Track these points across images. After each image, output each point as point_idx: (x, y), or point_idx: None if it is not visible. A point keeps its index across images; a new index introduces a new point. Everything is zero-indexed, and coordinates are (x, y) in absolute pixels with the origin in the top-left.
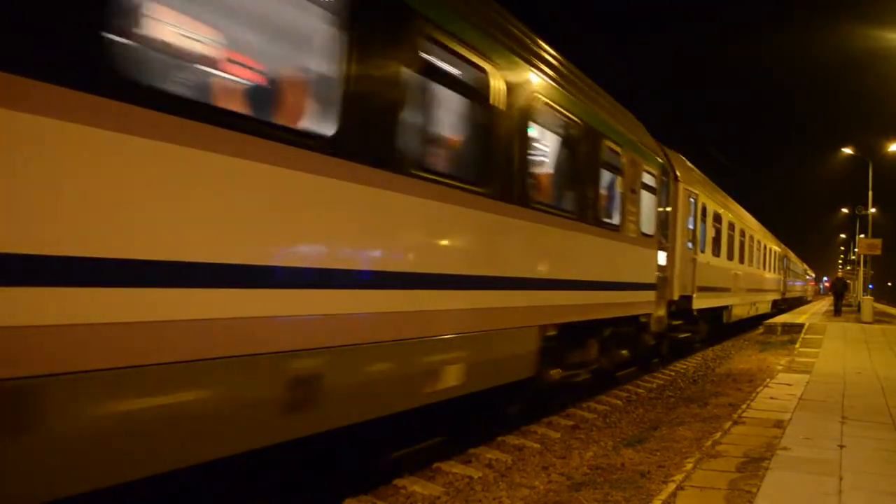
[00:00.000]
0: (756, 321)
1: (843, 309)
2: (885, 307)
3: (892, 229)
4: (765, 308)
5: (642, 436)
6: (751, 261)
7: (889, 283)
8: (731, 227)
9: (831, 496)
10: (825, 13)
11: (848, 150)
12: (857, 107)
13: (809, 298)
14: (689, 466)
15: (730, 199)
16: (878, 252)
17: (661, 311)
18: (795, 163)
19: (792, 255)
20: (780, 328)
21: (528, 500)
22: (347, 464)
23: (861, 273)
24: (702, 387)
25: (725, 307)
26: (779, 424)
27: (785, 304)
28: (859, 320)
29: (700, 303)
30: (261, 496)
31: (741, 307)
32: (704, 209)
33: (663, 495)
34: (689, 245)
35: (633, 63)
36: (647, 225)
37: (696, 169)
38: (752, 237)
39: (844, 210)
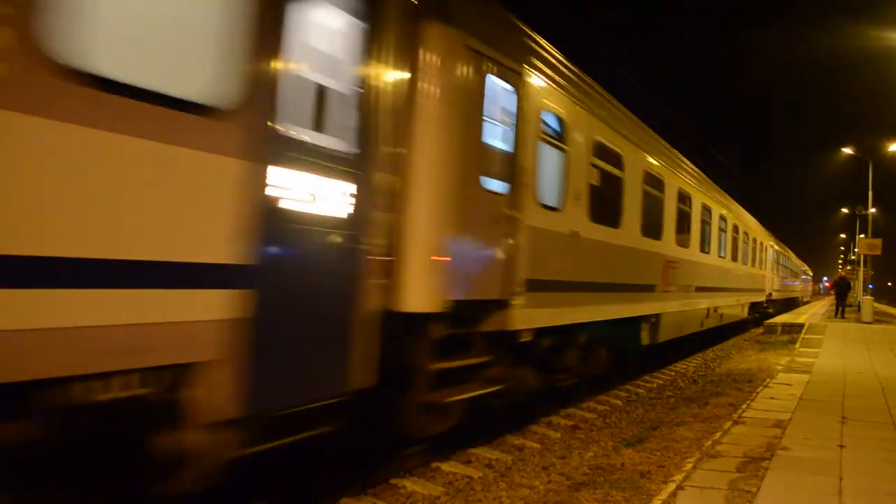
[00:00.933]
0: (719, 334)
1: (845, 309)
2: (885, 307)
3: (892, 229)
4: (736, 312)
5: (642, 436)
6: (707, 246)
7: (889, 283)
8: (656, 182)
9: (831, 496)
10: (825, 12)
11: (848, 150)
12: (857, 107)
13: (806, 299)
14: (689, 466)
15: (675, 153)
16: (878, 252)
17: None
18: (795, 163)
19: (785, 249)
20: (780, 328)
21: (528, 500)
22: (347, 464)
23: (861, 273)
24: (702, 387)
25: (645, 319)
26: (779, 424)
27: (772, 307)
28: (859, 320)
29: (540, 317)
30: (260, 496)
31: (684, 316)
32: (561, 123)
33: (663, 495)
34: (495, 186)
35: (631, 58)
36: (165, 69)
37: (533, 33)
38: (707, 209)
39: (844, 210)
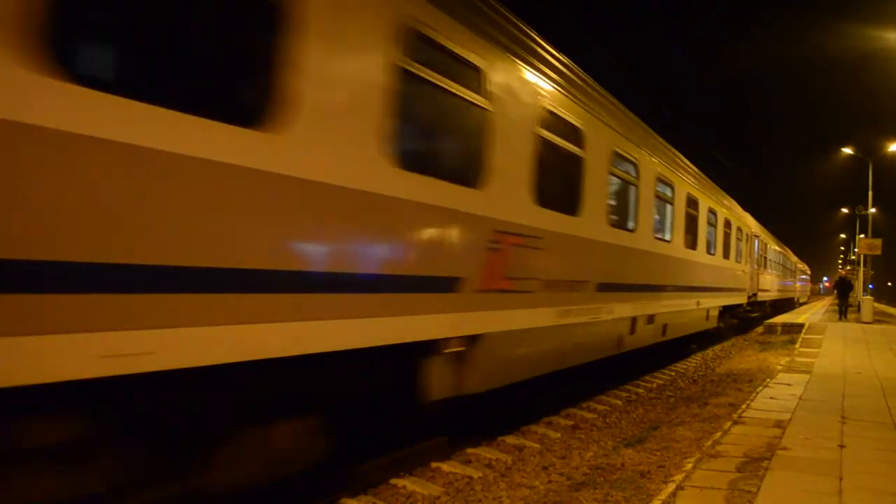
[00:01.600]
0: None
1: (847, 309)
2: (885, 307)
3: (892, 229)
4: (694, 320)
5: (642, 436)
6: (631, 220)
7: (889, 283)
8: (466, 75)
9: (831, 496)
10: (825, 12)
11: (848, 150)
12: (857, 107)
13: (803, 300)
14: (689, 466)
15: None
16: (878, 252)
17: None
18: (795, 163)
19: (780, 245)
20: (780, 328)
21: (528, 500)
22: (347, 463)
23: (861, 273)
24: (702, 387)
25: (431, 348)
26: (779, 424)
27: (757, 310)
28: (859, 320)
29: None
30: (259, 496)
31: (564, 335)
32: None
33: (663, 495)
34: None
35: (631, 57)
36: None
37: None
38: (633, 163)
39: (844, 210)
